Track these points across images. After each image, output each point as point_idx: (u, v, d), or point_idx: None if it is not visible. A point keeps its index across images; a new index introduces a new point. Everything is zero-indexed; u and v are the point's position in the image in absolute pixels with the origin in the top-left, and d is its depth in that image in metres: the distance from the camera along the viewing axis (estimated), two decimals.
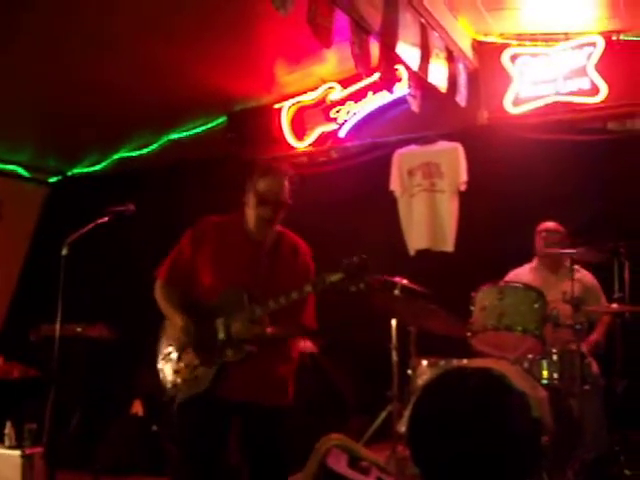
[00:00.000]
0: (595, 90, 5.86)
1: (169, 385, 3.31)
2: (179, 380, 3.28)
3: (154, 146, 7.72)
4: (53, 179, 8.31)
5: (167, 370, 3.34)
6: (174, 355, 3.32)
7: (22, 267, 8.05)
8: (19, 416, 4.85)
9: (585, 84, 5.91)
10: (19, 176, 7.90)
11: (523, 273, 5.23)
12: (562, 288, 4.59)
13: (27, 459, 4.52)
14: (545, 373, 4.52)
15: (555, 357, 4.55)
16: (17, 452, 4.54)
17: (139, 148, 7.78)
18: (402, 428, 4.52)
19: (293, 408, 3.36)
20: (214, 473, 3.23)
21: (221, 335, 3.21)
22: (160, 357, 3.39)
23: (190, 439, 3.27)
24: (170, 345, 3.36)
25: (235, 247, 3.34)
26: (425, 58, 5.23)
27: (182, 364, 3.28)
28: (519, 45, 6.20)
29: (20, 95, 6.18)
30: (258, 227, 3.31)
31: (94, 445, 5.80)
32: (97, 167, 8.10)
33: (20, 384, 6.67)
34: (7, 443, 4.66)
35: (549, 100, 6.06)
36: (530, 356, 4.55)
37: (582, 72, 5.90)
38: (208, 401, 3.20)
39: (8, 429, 4.68)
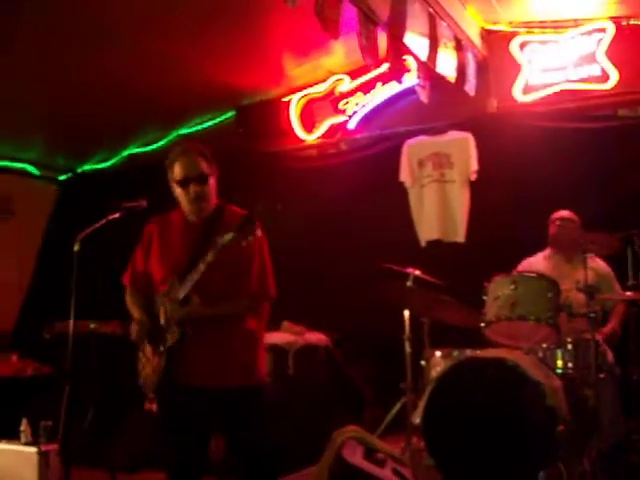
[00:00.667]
0: (605, 77, 5.81)
1: (141, 382, 3.34)
2: (144, 375, 3.31)
3: (163, 142, 7.72)
4: (63, 176, 8.34)
5: (138, 368, 3.36)
6: (140, 352, 3.35)
7: (35, 264, 8.09)
8: (34, 413, 4.86)
9: (595, 71, 5.86)
10: (29, 174, 7.94)
11: (536, 262, 5.20)
12: (576, 277, 4.56)
13: (43, 456, 4.53)
14: (559, 362, 4.50)
15: (569, 346, 4.53)
16: (33, 449, 4.56)
17: (148, 144, 7.79)
18: (417, 419, 4.52)
19: (262, 388, 3.33)
20: (187, 460, 3.24)
21: (162, 322, 3.22)
22: (138, 358, 3.41)
23: (162, 431, 3.35)
24: (140, 344, 3.38)
25: (177, 236, 3.36)
26: (433, 48, 5.20)
27: (144, 359, 3.31)
28: (528, 33, 6.15)
29: (28, 93, 6.19)
30: (194, 209, 3.29)
31: (109, 441, 5.82)
32: (107, 164, 8.12)
33: (34, 381, 6.70)
34: (23, 440, 4.67)
35: (559, 88, 6.01)
36: (544, 345, 4.53)
37: (592, 59, 5.85)
38: (168, 390, 3.21)
39: (24, 426, 4.69)
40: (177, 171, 3.28)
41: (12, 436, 4.73)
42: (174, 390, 3.20)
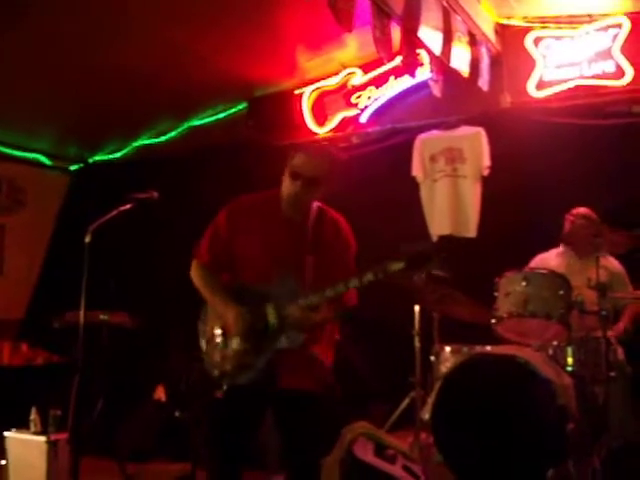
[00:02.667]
0: (620, 73, 5.77)
1: (216, 371, 3.20)
2: (228, 367, 3.17)
3: (174, 133, 7.73)
4: (74, 167, 8.35)
5: (214, 355, 3.23)
6: (219, 339, 3.21)
7: (45, 254, 8.11)
8: (44, 402, 4.88)
9: (610, 67, 5.82)
10: (41, 164, 7.96)
11: (549, 258, 5.18)
12: (588, 274, 4.53)
13: (52, 445, 4.56)
14: (570, 360, 4.46)
15: (580, 344, 4.50)
16: (42, 438, 4.58)
17: (159, 135, 7.79)
18: (426, 415, 4.51)
19: (334, 386, 3.31)
20: (245, 457, 3.23)
21: (272, 321, 3.11)
22: (203, 340, 3.29)
23: (230, 425, 3.22)
24: (215, 329, 3.25)
25: (275, 227, 3.24)
26: (447, 42, 5.18)
27: (230, 350, 3.17)
28: (543, 28, 6.11)
29: (41, 84, 6.21)
30: (291, 204, 3.20)
31: (118, 431, 5.85)
32: (118, 154, 8.13)
33: (44, 370, 6.73)
34: (32, 429, 4.69)
35: (573, 84, 5.97)
36: (555, 343, 4.51)
37: (607, 55, 5.81)
38: (256, 388, 3.14)
39: (33, 415, 4.71)
40: (296, 161, 3.18)
41: (22, 425, 4.75)
42: (259, 389, 3.15)
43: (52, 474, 4.52)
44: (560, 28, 6.05)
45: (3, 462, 4.72)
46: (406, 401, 5.31)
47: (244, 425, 3.21)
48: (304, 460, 3.20)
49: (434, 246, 2.95)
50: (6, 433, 4.76)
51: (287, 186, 3.19)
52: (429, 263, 2.88)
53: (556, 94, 6.05)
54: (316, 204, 3.31)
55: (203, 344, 3.30)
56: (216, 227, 3.33)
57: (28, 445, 4.65)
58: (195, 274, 3.37)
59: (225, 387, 3.17)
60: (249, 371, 3.13)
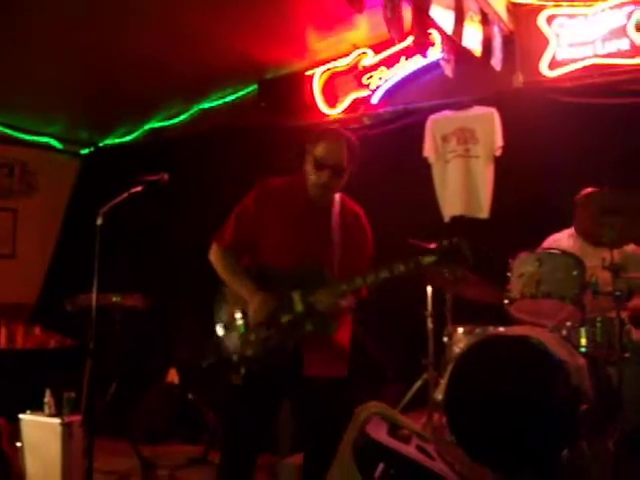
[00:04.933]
0: (635, 51, 5.69)
1: (235, 357, 3.23)
2: (249, 352, 3.19)
3: (185, 116, 7.72)
4: (85, 150, 8.36)
5: (233, 341, 3.25)
6: (240, 324, 3.24)
7: (57, 238, 8.14)
8: (58, 385, 4.91)
9: (624, 45, 5.74)
10: (52, 148, 7.98)
11: (562, 239, 5.14)
12: (601, 255, 4.50)
13: (66, 427, 4.59)
14: (583, 341, 4.44)
15: (594, 324, 4.48)
16: (57, 420, 4.61)
17: (170, 118, 7.78)
18: (439, 396, 4.51)
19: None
20: (260, 444, 3.28)
21: (299, 308, 3.14)
22: (220, 325, 3.31)
23: (247, 412, 3.25)
24: (235, 313, 3.27)
25: (301, 214, 3.27)
26: (459, 21, 5.13)
27: (252, 336, 3.20)
28: (556, 6, 6.04)
29: (52, 68, 6.20)
30: (317, 193, 3.24)
31: (131, 413, 5.88)
32: (129, 137, 8.13)
33: (58, 353, 6.78)
34: (47, 411, 4.73)
35: (587, 62, 5.90)
36: (568, 323, 4.48)
37: (622, 32, 5.73)
38: (277, 375, 3.17)
39: (48, 398, 4.74)
40: (319, 150, 3.19)
41: (36, 407, 4.78)
42: (284, 375, 3.19)
43: (67, 456, 4.55)
44: (573, 6, 5.97)
45: (18, 444, 4.76)
46: (419, 382, 5.32)
47: (261, 412, 3.23)
48: (326, 443, 3.18)
49: (467, 243, 2.94)
50: (21, 415, 4.79)
51: (312, 176, 3.22)
52: (460, 258, 2.88)
53: (569, 73, 5.98)
54: (338, 194, 3.34)
55: (220, 328, 3.31)
56: (243, 210, 3.34)
57: (43, 427, 4.68)
58: (216, 258, 3.38)
59: (243, 373, 3.19)
60: (273, 357, 3.15)
